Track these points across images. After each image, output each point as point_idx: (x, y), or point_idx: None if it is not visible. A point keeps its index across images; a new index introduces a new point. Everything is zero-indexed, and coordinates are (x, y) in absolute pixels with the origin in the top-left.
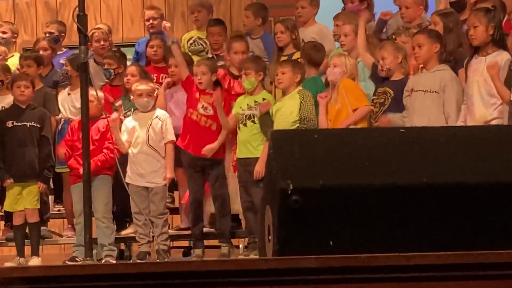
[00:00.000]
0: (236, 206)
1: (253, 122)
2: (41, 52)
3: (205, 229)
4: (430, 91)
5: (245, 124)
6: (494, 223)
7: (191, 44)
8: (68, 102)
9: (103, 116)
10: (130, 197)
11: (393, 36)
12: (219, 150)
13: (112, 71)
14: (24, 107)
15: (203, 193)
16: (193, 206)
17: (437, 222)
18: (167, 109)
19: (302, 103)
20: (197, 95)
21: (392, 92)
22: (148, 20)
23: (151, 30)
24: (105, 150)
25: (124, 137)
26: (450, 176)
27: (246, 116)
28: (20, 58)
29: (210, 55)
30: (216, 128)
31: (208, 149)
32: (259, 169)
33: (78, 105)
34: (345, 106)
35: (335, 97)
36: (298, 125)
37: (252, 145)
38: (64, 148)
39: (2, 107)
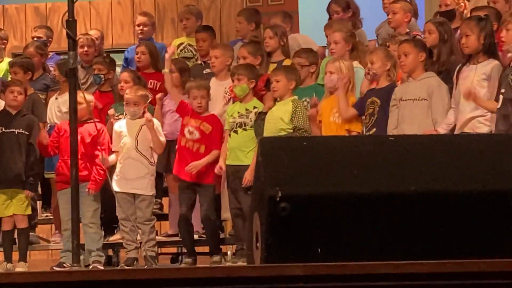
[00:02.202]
0: (226, 214)
1: (244, 129)
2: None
3: (196, 236)
4: (419, 99)
5: (235, 132)
6: (482, 232)
7: (181, 50)
8: (55, 107)
9: (92, 120)
10: (116, 203)
11: (387, 44)
12: (210, 175)
13: (102, 76)
14: (14, 113)
15: (192, 210)
16: (181, 223)
17: (426, 230)
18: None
19: (294, 112)
20: (186, 120)
21: (379, 101)
22: (138, 25)
23: (140, 36)
24: (94, 170)
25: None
26: (438, 184)
27: (237, 123)
28: (8, 65)
29: (199, 62)
30: (205, 151)
31: (193, 165)
32: (249, 177)
33: (64, 109)
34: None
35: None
36: (285, 132)
37: (242, 152)
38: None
39: None
